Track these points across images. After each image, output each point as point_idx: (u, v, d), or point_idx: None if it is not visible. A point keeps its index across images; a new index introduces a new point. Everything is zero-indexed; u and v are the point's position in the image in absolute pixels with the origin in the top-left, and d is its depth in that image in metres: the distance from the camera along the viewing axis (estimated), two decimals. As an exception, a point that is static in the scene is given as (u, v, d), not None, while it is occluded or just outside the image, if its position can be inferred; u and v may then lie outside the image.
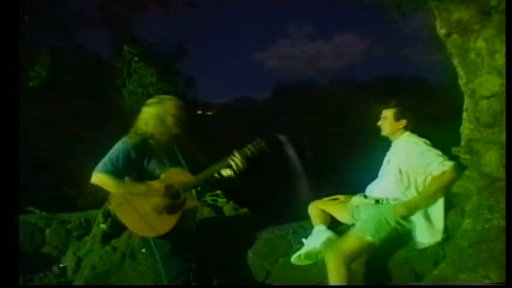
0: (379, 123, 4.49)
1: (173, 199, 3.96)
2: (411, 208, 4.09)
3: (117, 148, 3.98)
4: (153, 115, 4.11)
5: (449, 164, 4.07)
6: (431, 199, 4.14)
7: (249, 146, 4.20)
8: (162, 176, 4.03)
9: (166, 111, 4.12)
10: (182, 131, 4.15)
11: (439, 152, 4.14)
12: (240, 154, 4.15)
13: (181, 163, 4.21)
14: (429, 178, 4.13)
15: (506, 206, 3.64)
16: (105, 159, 3.93)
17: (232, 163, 4.14)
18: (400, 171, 4.20)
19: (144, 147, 4.04)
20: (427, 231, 4.10)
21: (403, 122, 4.36)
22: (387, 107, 4.46)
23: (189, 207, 4.08)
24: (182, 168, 4.15)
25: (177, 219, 3.95)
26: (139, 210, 3.90)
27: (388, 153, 4.48)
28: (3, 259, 3.13)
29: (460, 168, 4.27)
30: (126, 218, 3.97)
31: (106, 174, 3.86)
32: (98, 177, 3.88)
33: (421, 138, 4.25)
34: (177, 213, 3.96)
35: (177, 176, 4.07)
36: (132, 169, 3.99)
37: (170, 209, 3.94)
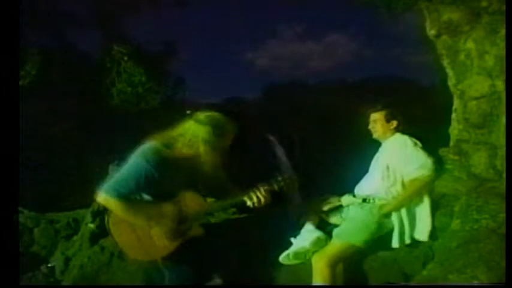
0: (370, 126, 4.51)
1: (179, 226, 3.69)
2: (387, 211, 4.14)
3: (138, 167, 3.58)
4: (205, 140, 3.69)
5: (422, 173, 4.10)
6: (405, 202, 4.16)
7: (274, 183, 3.92)
8: (175, 199, 3.73)
9: (225, 143, 3.81)
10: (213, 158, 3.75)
11: (423, 157, 4.15)
12: (265, 191, 3.84)
13: (197, 186, 3.92)
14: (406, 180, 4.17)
15: (506, 206, 3.64)
16: (121, 178, 3.54)
17: (255, 200, 3.83)
18: (388, 168, 4.22)
19: (167, 166, 3.66)
20: (411, 229, 4.13)
21: (394, 123, 4.38)
22: (375, 111, 4.48)
23: (193, 236, 3.80)
24: (198, 194, 3.85)
25: (176, 246, 3.65)
26: (139, 232, 3.62)
27: (377, 153, 4.50)
28: (3, 259, 3.12)
29: (438, 175, 4.31)
30: (122, 238, 3.74)
31: (119, 200, 3.47)
32: (108, 202, 3.50)
33: (412, 139, 4.26)
34: (178, 240, 3.67)
35: (191, 201, 3.78)
36: (148, 187, 3.62)
37: (173, 236, 3.64)
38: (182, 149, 3.72)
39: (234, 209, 5.59)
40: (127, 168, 3.60)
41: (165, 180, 3.67)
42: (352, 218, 4.21)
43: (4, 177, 3.25)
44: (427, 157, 4.15)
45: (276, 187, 3.90)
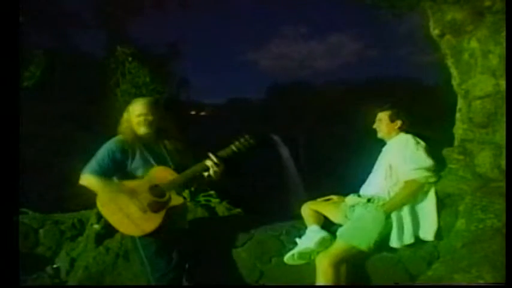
0: (375, 125, 4.51)
1: (157, 197, 3.99)
2: (387, 210, 4.12)
3: (103, 149, 4.13)
4: (149, 117, 4.22)
5: (419, 174, 4.10)
6: (404, 201, 4.14)
7: (228, 148, 4.23)
8: (147, 174, 4.10)
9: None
10: (151, 130, 4.26)
11: (421, 159, 4.15)
12: (216, 156, 4.17)
13: (167, 162, 4.25)
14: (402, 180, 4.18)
15: (506, 206, 3.64)
16: (92, 160, 4.08)
17: (209, 165, 4.16)
18: (390, 167, 4.23)
19: (130, 147, 4.16)
20: (414, 229, 4.13)
21: (398, 123, 4.39)
22: (382, 110, 4.49)
23: (175, 205, 4.07)
24: (168, 167, 4.19)
25: (163, 218, 3.95)
26: (124, 209, 3.94)
27: (381, 153, 4.50)
28: (3, 260, 3.12)
29: (441, 176, 4.30)
30: (112, 217, 4.02)
31: (92, 175, 4.02)
32: (85, 179, 4.05)
33: (415, 138, 4.25)
34: (162, 211, 3.97)
35: (162, 174, 4.12)
36: (118, 169, 4.13)
37: (154, 207, 3.96)
38: (137, 132, 4.23)
39: (239, 210, 5.61)
40: (98, 154, 4.13)
41: (133, 162, 4.16)
42: (356, 219, 4.20)
43: (5, 178, 3.26)
44: (426, 159, 4.15)
45: (224, 154, 4.22)
